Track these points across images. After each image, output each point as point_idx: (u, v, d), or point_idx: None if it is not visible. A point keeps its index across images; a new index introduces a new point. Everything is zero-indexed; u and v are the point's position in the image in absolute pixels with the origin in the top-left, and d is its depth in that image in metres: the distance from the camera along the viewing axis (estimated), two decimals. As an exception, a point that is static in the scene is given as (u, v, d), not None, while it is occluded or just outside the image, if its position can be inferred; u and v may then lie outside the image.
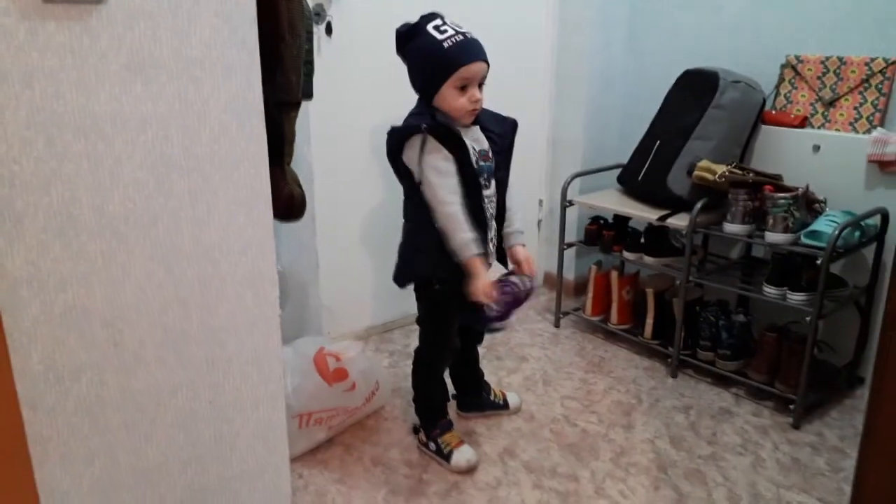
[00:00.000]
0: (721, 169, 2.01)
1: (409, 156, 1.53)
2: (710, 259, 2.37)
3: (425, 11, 1.58)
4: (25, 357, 1.02)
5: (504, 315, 1.59)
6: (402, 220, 1.67)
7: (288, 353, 1.71)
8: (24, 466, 1.08)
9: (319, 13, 2.08)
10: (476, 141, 1.59)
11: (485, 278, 1.54)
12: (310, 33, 1.40)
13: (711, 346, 2.15)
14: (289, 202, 1.38)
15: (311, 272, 2.17)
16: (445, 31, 1.50)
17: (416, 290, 1.69)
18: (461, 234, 1.52)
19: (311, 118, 2.03)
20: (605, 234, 2.39)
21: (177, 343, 1.19)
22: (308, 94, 1.42)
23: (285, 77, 1.33)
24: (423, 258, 1.61)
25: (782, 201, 1.87)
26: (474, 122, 1.61)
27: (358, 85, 2.20)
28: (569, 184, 2.44)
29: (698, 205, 2.05)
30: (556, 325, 2.58)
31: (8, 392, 1.02)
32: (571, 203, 2.45)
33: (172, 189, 1.11)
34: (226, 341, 1.25)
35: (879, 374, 1.11)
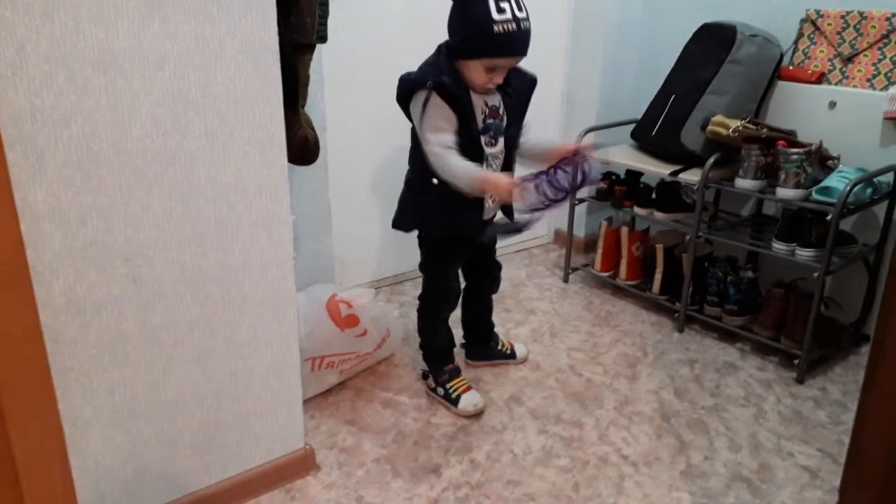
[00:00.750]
0: (735, 123, 2.00)
1: (414, 108, 1.53)
2: (721, 216, 2.37)
3: None
4: (48, 289, 1.06)
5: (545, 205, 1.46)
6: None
7: (301, 299, 1.73)
8: (48, 397, 1.13)
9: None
10: (489, 97, 1.58)
11: (500, 177, 1.47)
12: (325, -24, 1.40)
13: (718, 302, 2.17)
14: (303, 144, 1.40)
15: (324, 222, 2.19)
16: (504, 9, 1.44)
17: (418, 235, 1.71)
18: (458, 168, 1.47)
19: (324, 64, 2.02)
20: (616, 189, 2.39)
21: (194, 280, 1.22)
22: (322, 37, 1.43)
23: (300, 18, 1.33)
24: (421, 211, 1.63)
25: (795, 157, 1.86)
26: None
27: (374, 31, 2.18)
28: (581, 138, 2.43)
29: (710, 160, 2.04)
30: (565, 281, 2.60)
31: (32, 324, 1.06)
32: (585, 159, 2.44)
33: (189, 127, 1.12)
34: (241, 281, 1.28)
35: (882, 327, 1.13)
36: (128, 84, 1.04)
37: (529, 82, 1.65)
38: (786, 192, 1.89)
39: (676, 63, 2.34)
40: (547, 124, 2.79)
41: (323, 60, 1.99)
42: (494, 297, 1.97)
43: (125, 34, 1.01)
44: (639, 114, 2.42)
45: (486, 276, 1.88)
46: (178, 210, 1.15)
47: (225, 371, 1.32)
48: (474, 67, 1.50)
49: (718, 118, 2.06)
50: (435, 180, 1.54)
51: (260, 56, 1.17)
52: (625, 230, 2.41)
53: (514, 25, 1.45)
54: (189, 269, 1.21)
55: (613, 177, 2.48)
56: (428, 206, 1.61)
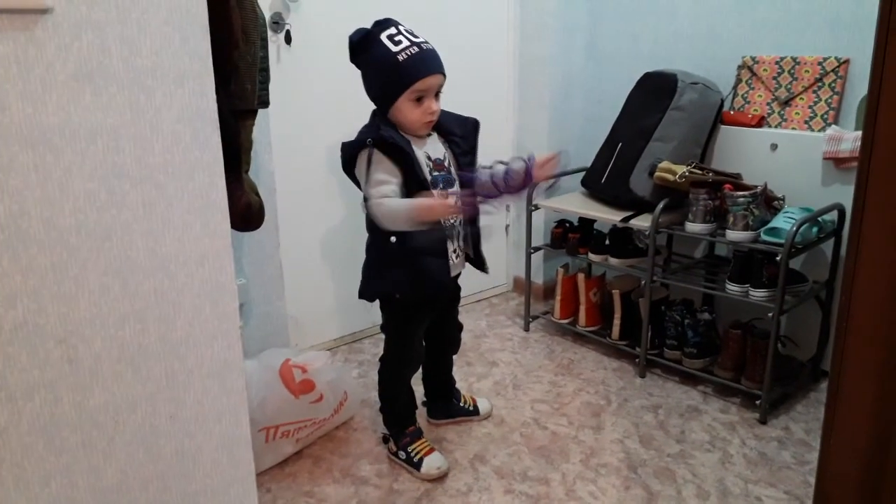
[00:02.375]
0: (681, 169, 2.05)
1: (359, 171, 1.53)
2: (675, 258, 2.40)
3: (387, 17, 1.57)
4: (-25, 377, 1.00)
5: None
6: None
7: (253, 366, 1.69)
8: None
9: (278, 21, 2.08)
10: (432, 149, 1.60)
11: (437, 199, 1.48)
12: (265, 41, 1.40)
13: (678, 345, 2.18)
14: (246, 211, 1.37)
15: (276, 283, 2.16)
16: (400, 41, 1.49)
17: (379, 299, 1.69)
18: (399, 207, 1.46)
19: (271, 127, 2.02)
20: (570, 236, 2.42)
21: (134, 358, 1.17)
22: (264, 102, 1.42)
23: (240, 85, 1.32)
24: (384, 274, 1.61)
25: (742, 199, 1.90)
26: (433, 129, 1.61)
27: (319, 93, 2.20)
28: (534, 189, 2.46)
29: (660, 205, 2.08)
30: (526, 329, 2.60)
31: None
32: (537, 207, 2.47)
33: (125, 200, 1.09)
34: (185, 355, 1.23)
35: (837, 368, 1.15)
36: (58, 159, 1.01)
37: (472, 126, 1.68)
38: (735, 235, 1.93)
39: (621, 112, 2.40)
40: (499, 174, 2.82)
41: (270, 121, 1.99)
42: (456, 353, 1.95)
43: (54, 108, 0.99)
44: (588, 162, 2.46)
45: (448, 337, 1.86)
46: (115, 285, 1.11)
47: (171, 450, 1.26)
48: (404, 107, 1.51)
49: (665, 164, 2.11)
50: (393, 238, 1.53)
51: (198, 124, 1.15)
52: (581, 277, 2.42)
53: (415, 49, 1.49)
54: (129, 345, 1.16)
55: (567, 224, 2.50)
56: (391, 267, 1.59)
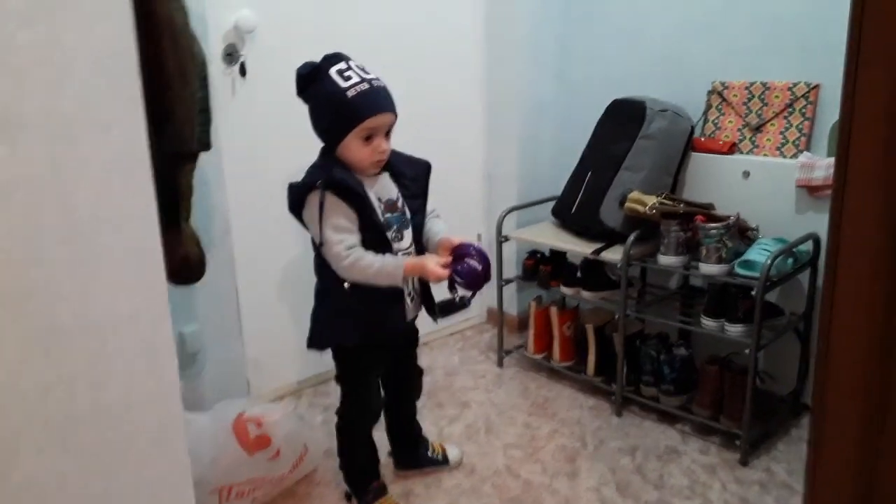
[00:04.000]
0: (651, 200, 2.01)
1: (309, 214, 1.46)
2: (649, 290, 2.36)
3: (337, 51, 1.52)
4: None
5: (471, 281, 1.50)
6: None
7: (204, 422, 1.61)
8: None
9: (232, 53, 2.02)
10: (383, 190, 1.54)
11: (427, 259, 1.51)
12: (205, 80, 1.33)
13: (654, 382, 2.13)
14: (184, 264, 1.30)
15: (232, 326, 2.08)
16: (350, 77, 1.43)
17: (331, 349, 1.62)
18: (377, 265, 1.44)
19: (225, 163, 1.95)
20: (542, 268, 2.37)
21: (62, 429, 1.08)
22: (205, 144, 1.35)
23: (177, 128, 1.25)
24: (335, 322, 1.55)
25: (714, 231, 1.87)
26: (383, 169, 1.55)
27: (275, 126, 2.13)
28: (503, 219, 2.41)
29: (631, 237, 2.04)
30: (500, 365, 2.53)
31: None
32: (507, 238, 2.42)
33: (48, 259, 1.02)
34: (120, 421, 1.15)
35: (818, 407, 1.10)
36: (-32, 218, 0.93)
37: (424, 168, 1.62)
38: (709, 268, 1.89)
39: (591, 140, 2.37)
40: (471, 204, 2.77)
41: (224, 160, 1.93)
42: (424, 391, 1.88)
43: (-36, 163, 0.91)
44: (558, 191, 2.42)
45: (408, 384, 1.79)
46: (37, 352, 1.03)
47: (107, 527, 1.17)
48: (353, 145, 1.46)
49: (635, 195, 2.07)
50: (346, 284, 1.47)
51: (129, 173, 1.08)
52: (554, 310, 2.37)
53: (365, 85, 1.43)
54: (54, 416, 1.07)
55: (538, 255, 2.46)
56: (344, 315, 1.53)
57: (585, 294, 2.24)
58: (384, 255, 1.46)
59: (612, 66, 2.53)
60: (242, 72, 2.05)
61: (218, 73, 1.99)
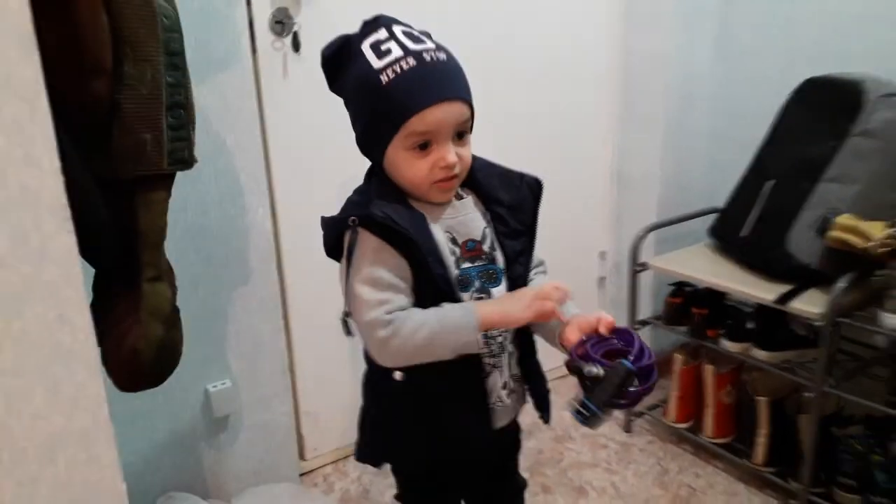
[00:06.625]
0: (879, 231, 1.39)
1: (343, 264, 0.96)
2: (844, 348, 1.71)
3: (380, 13, 0.99)
4: None
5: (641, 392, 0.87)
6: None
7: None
8: None
9: (282, 21, 1.56)
10: (460, 225, 1.00)
11: (524, 291, 0.99)
12: (178, 55, 0.85)
13: (858, 488, 1.53)
14: (129, 359, 0.82)
15: (277, 380, 1.64)
16: (388, 51, 0.91)
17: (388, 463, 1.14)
18: (430, 323, 0.92)
19: (273, 168, 1.53)
20: (695, 312, 1.79)
21: None
22: (182, 160, 0.87)
23: (129, 136, 0.79)
24: (389, 428, 1.07)
25: None
26: (463, 187, 1.02)
27: (340, 120, 1.65)
28: (642, 240, 1.84)
29: (841, 282, 1.43)
30: (627, 430, 1.98)
31: None
32: (645, 267, 1.85)
33: None
34: None
35: None
36: None
37: (530, 187, 1.05)
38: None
39: (771, 134, 1.77)
40: (593, 213, 2.20)
41: (273, 164, 1.50)
42: (523, 466, 1.33)
43: None
44: (717, 201, 1.84)
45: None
46: None
47: None
48: (399, 158, 0.94)
49: (846, 219, 1.48)
50: (398, 374, 0.98)
51: (21, 220, 0.62)
52: (710, 370, 1.79)
53: (411, 61, 0.90)
54: None
55: (688, 290, 1.87)
56: (396, 422, 1.04)
57: (760, 354, 1.65)
58: (443, 307, 0.94)
59: (800, 29, 1.88)
60: (296, 45, 1.58)
61: (265, 47, 1.54)
